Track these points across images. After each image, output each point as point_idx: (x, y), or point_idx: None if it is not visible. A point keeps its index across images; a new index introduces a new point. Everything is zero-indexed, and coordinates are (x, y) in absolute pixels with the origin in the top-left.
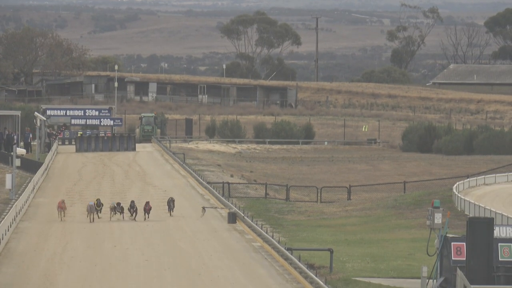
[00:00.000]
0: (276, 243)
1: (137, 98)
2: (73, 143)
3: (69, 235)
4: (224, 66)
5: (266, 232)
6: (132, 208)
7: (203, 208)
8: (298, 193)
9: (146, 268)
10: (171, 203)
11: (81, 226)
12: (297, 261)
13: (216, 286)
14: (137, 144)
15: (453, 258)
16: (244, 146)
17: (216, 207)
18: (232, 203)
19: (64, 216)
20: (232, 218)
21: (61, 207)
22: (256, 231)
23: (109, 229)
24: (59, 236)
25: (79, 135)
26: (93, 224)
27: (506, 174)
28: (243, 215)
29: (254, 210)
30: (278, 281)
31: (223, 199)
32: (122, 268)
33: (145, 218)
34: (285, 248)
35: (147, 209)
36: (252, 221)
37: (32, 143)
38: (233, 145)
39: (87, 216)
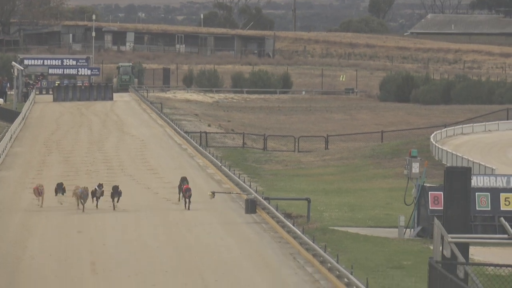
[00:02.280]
0: (254, 192)
1: (115, 48)
2: (51, 92)
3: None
4: (202, 16)
5: (244, 182)
6: (116, 192)
7: (213, 192)
8: (275, 143)
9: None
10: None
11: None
12: (274, 211)
13: (193, 235)
14: (114, 94)
15: (430, 208)
16: (222, 95)
17: (231, 192)
18: (209, 153)
19: (42, 203)
20: (252, 207)
21: (39, 191)
22: (234, 180)
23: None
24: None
25: (56, 84)
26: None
27: (484, 123)
28: (220, 164)
29: (232, 160)
30: (256, 230)
31: (201, 148)
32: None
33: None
34: (262, 198)
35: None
36: (229, 170)
37: (9, 93)
38: (211, 95)
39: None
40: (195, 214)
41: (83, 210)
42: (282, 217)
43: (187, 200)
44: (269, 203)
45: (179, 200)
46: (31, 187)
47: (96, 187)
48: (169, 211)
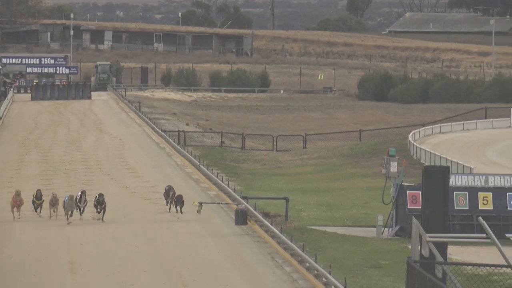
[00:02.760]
0: (232, 191)
1: (93, 46)
2: (29, 91)
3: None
4: (180, 14)
5: (222, 181)
6: (100, 204)
7: (200, 203)
8: (253, 142)
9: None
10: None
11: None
12: (252, 210)
13: (171, 232)
14: (92, 93)
15: (408, 207)
16: (200, 94)
17: (219, 203)
18: (188, 152)
19: (19, 214)
20: (242, 217)
21: (16, 202)
22: (212, 179)
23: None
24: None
25: (34, 83)
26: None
27: (462, 122)
28: (198, 163)
29: (210, 159)
30: (235, 231)
31: (179, 147)
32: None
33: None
34: (240, 197)
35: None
36: (207, 169)
37: None
38: (189, 94)
39: (65, 215)
40: (175, 214)
41: (68, 221)
42: (260, 216)
43: (178, 207)
44: (247, 202)
45: (169, 210)
46: (9, 187)
47: (80, 194)
48: (146, 208)
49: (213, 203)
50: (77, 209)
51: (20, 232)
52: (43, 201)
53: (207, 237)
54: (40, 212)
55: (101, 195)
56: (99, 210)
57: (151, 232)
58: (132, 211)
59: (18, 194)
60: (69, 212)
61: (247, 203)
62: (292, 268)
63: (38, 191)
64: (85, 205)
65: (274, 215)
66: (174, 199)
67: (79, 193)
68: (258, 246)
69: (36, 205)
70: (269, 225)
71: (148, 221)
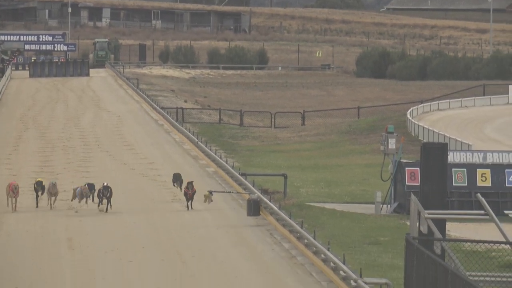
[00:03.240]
0: (230, 168)
1: (91, 23)
2: (27, 68)
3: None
4: None
5: (220, 158)
6: (105, 193)
7: (210, 192)
8: (252, 119)
9: None
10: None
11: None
12: (251, 186)
13: (169, 209)
14: (90, 70)
15: (407, 183)
16: (198, 71)
17: (231, 192)
18: (186, 129)
19: (15, 205)
20: (255, 208)
21: (13, 191)
22: (210, 156)
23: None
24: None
25: (32, 60)
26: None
27: (460, 99)
28: (196, 140)
29: (208, 136)
30: (232, 207)
31: (177, 124)
32: None
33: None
34: (239, 174)
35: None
36: (206, 146)
37: None
38: (187, 71)
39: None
40: (174, 190)
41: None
42: (258, 193)
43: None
44: (245, 179)
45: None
46: (8, 163)
47: (103, 187)
48: (145, 185)
49: (224, 192)
50: (95, 199)
51: (18, 210)
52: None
53: (204, 212)
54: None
55: (106, 188)
56: (101, 200)
57: (150, 210)
58: (130, 188)
59: (15, 187)
60: (82, 200)
61: (245, 179)
62: (291, 244)
63: (38, 182)
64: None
65: (273, 192)
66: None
67: (102, 186)
68: (257, 223)
69: (39, 193)
70: (268, 201)
71: (146, 198)
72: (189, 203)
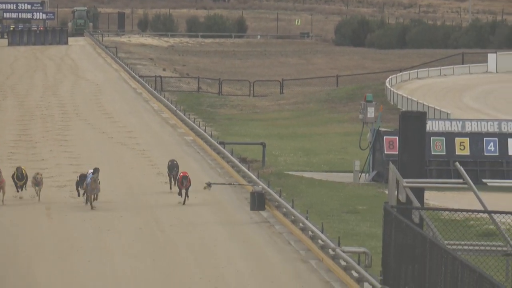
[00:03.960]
0: (209, 137)
1: None
2: (5, 37)
3: None
4: None
5: (199, 126)
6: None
7: (208, 184)
8: (230, 87)
9: None
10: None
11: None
12: (229, 155)
13: (147, 174)
14: (69, 38)
15: (385, 152)
16: (177, 40)
17: (232, 184)
18: (164, 97)
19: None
20: (260, 201)
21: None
22: (189, 125)
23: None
24: None
25: (11, 29)
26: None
27: (439, 68)
28: (175, 109)
29: (187, 104)
30: (211, 175)
31: (156, 92)
32: None
33: None
34: (217, 142)
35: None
36: (184, 115)
37: None
38: (166, 39)
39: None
40: (153, 159)
41: (92, 207)
42: (237, 162)
43: (183, 191)
44: (224, 148)
45: (170, 189)
46: None
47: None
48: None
49: (224, 183)
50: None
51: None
52: (26, 180)
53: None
54: (21, 190)
55: (94, 171)
56: (80, 191)
57: (129, 177)
58: (109, 157)
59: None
60: (93, 196)
61: (223, 148)
62: (269, 213)
63: (18, 168)
64: (24, 182)
65: (251, 161)
66: (178, 180)
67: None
68: (235, 191)
69: (18, 185)
70: (246, 170)
71: (125, 166)
72: (185, 198)
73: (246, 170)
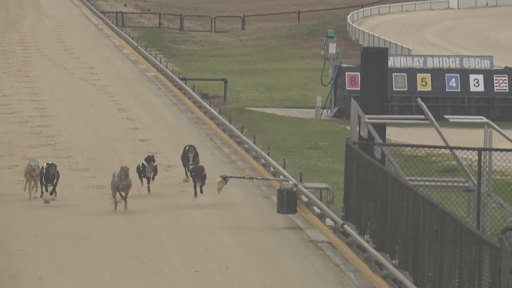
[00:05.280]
0: (170, 73)
1: None
2: None
3: None
4: None
5: (160, 62)
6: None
7: (224, 178)
8: (192, 23)
9: None
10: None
11: None
12: (191, 91)
13: (109, 113)
14: None
15: (347, 88)
16: None
17: (255, 177)
18: (126, 33)
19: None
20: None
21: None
22: (150, 61)
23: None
24: None
25: None
26: None
27: (400, 4)
28: (136, 45)
29: (148, 40)
30: (172, 111)
31: (117, 28)
32: None
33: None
34: (179, 78)
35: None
36: (146, 51)
37: None
38: None
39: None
40: (115, 96)
41: (126, 207)
42: (198, 98)
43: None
44: (185, 84)
45: (187, 177)
46: None
47: (144, 163)
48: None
49: (244, 177)
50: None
51: None
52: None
53: (147, 118)
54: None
55: (51, 166)
56: (46, 187)
57: (90, 113)
58: (70, 92)
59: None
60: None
61: (185, 84)
62: (231, 149)
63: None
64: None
65: (213, 97)
66: (192, 171)
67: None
68: (197, 127)
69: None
70: (208, 106)
71: (86, 102)
72: (199, 189)
73: (208, 106)
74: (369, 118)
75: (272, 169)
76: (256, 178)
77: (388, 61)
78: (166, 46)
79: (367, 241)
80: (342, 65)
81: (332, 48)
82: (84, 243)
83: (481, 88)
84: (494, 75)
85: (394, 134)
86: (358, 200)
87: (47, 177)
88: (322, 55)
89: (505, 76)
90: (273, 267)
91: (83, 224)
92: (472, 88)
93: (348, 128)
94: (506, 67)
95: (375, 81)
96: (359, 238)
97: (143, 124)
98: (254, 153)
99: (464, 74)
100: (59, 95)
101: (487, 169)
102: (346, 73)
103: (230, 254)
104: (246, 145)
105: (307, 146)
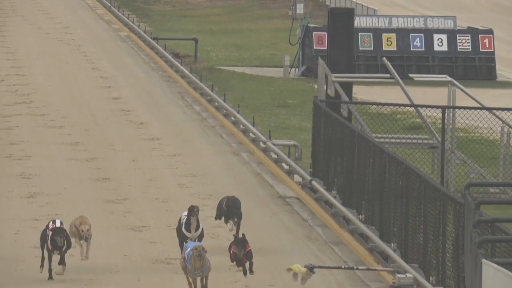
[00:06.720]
0: (142, 32)
1: None
2: None
3: None
4: None
5: (132, 22)
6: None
7: (310, 269)
8: None
9: None
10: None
11: None
12: (162, 50)
13: (84, 72)
14: None
15: (314, 48)
16: None
17: (354, 268)
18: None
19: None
20: None
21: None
22: (123, 21)
23: None
24: None
25: None
26: None
27: None
28: (109, 5)
29: (121, 1)
30: (144, 70)
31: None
32: None
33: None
34: (151, 38)
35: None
36: (118, 11)
37: None
38: None
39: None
40: (89, 55)
41: None
42: (170, 57)
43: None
44: (157, 43)
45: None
46: None
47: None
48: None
49: (340, 267)
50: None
51: None
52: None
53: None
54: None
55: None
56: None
57: (65, 72)
58: (45, 51)
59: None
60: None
61: (157, 43)
62: (202, 107)
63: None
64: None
65: (184, 56)
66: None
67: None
68: (168, 85)
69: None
70: (179, 65)
71: (61, 62)
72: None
73: (179, 65)
74: (336, 77)
75: (242, 126)
76: (357, 269)
77: (354, 21)
78: (139, 7)
79: (335, 197)
80: (309, 25)
81: (300, 8)
82: None
83: (444, 48)
84: (458, 35)
85: (360, 93)
86: (326, 157)
87: (54, 243)
88: (290, 16)
89: (468, 36)
90: (242, 221)
91: None
92: (436, 48)
93: (316, 86)
94: (469, 27)
95: (341, 40)
96: (326, 193)
97: (116, 82)
98: (224, 111)
99: (428, 34)
100: (34, 55)
101: (451, 126)
102: (314, 33)
103: (201, 205)
104: (217, 103)
105: (275, 104)
